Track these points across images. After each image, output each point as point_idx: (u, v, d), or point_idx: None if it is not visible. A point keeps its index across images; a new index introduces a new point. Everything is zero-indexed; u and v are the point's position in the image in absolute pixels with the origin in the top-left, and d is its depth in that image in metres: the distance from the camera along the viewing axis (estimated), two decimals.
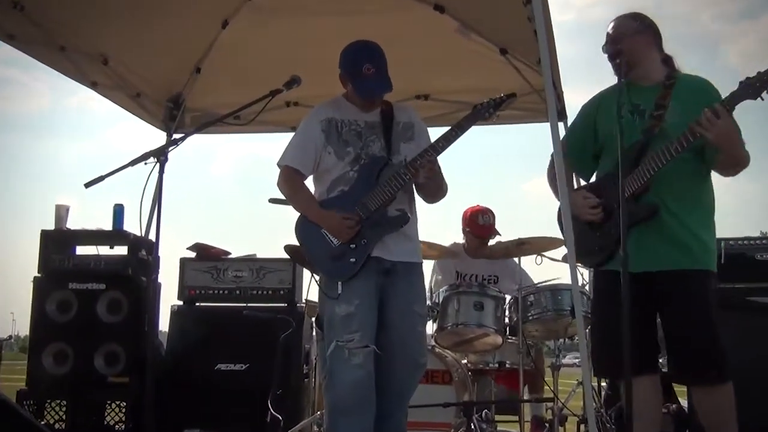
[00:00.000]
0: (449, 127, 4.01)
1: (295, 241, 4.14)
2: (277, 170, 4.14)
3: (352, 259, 3.92)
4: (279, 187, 4.14)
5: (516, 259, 5.98)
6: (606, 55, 3.87)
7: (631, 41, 3.93)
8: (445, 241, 6.62)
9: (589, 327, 4.22)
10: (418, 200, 4.22)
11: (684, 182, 3.87)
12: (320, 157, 4.06)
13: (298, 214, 4.08)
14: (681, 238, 3.81)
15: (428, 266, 6.83)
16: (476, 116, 4.00)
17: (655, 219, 3.80)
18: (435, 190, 4.15)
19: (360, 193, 3.99)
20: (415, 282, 4.12)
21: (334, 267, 3.95)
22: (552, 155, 4.19)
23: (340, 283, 3.90)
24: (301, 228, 4.06)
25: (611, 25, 4.02)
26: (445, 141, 3.96)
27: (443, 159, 4.06)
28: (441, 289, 5.85)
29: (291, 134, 4.22)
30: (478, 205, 6.72)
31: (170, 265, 6.20)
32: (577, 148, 4.16)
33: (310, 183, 4.19)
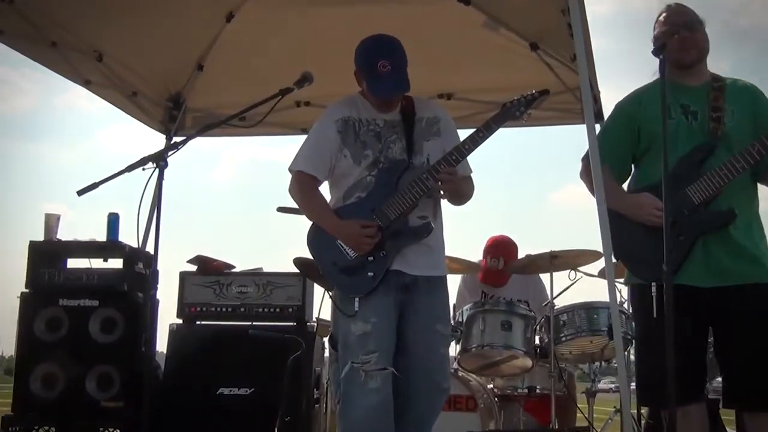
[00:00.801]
0: (475, 129, 3.99)
1: (305, 254, 4.13)
2: (288, 176, 4.14)
3: (370, 273, 3.91)
4: (291, 194, 4.13)
5: (545, 276, 5.97)
6: (655, 48, 3.82)
7: (702, 33, 3.97)
8: (470, 255, 6.63)
9: (637, 348, 4.15)
10: (444, 204, 4.20)
11: (743, 191, 3.90)
12: (336, 160, 4.06)
13: (311, 223, 4.08)
14: (750, 250, 3.83)
15: (452, 282, 6.84)
16: (506, 115, 3.96)
17: (722, 229, 3.80)
18: (458, 196, 4.14)
19: (378, 199, 3.97)
20: (438, 298, 4.09)
21: (350, 281, 3.94)
22: (585, 158, 4.18)
23: (356, 299, 3.91)
24: (313, 238, 4.05)
25: (671, 12, 4.00)
26: (472, 143, 3.92)
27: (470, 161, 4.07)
28: (465, 307, 5.84)
29: (302, 137, 4.22)
30: (495, 238, 6.75)
31: (169, 280, 6.21)
32: (616, 151, 4.12)
33: (324, 190, 4.20)
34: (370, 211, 3.95)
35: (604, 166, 4.10)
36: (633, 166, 4.13)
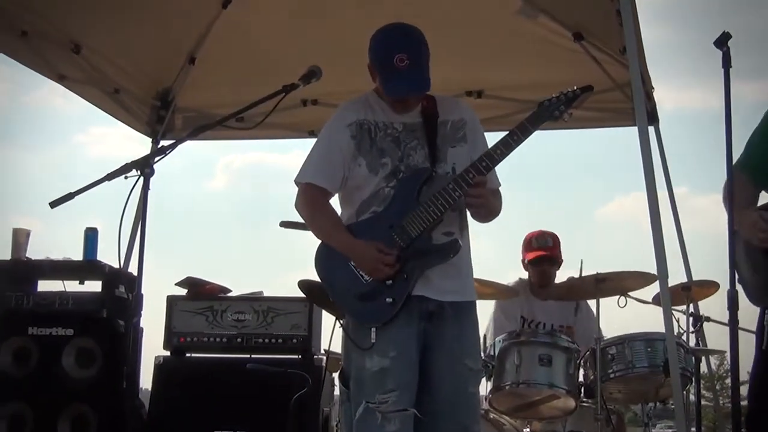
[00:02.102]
0: (508, 131, 3.98)
1: (311, 276, 4.13)
2: (293, 187, 4.13)
3: (389, 299, 3.88)
4: (298, 209, 4.12)
5: (592, 302, 5.94)
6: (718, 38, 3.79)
7: None
8: (503, 279, 6.61)
9: (752, 381, 4.12)
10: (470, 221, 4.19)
11: None
12: (349, 170, 4.05)
13: (319, 241, 4.07)
14: None
15: (483, 309, 6.82)
16: (543, 115, 3.92)
17: None
18: (487, 212, 4.13)
19: (398, 214, 3.94)
20: (467, 328, 4.06)
21: (366, 309, 3.91)
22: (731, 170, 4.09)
23: (373, 329, 3.88)
24: (323, 259, 4.03)
25: None
26: (505, 147, 3.89)
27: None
28: (497, 339, 5.81)
29: (309, 141, 4.25)
30: (538, 230, 6.75)
31: (155, 306, 6.22)
32: (762, 157, 4.06)
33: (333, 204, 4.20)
34: (389, 228, 3.92)
35: (741, 173, 4.03)
36: None
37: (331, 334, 5.05)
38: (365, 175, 4.00)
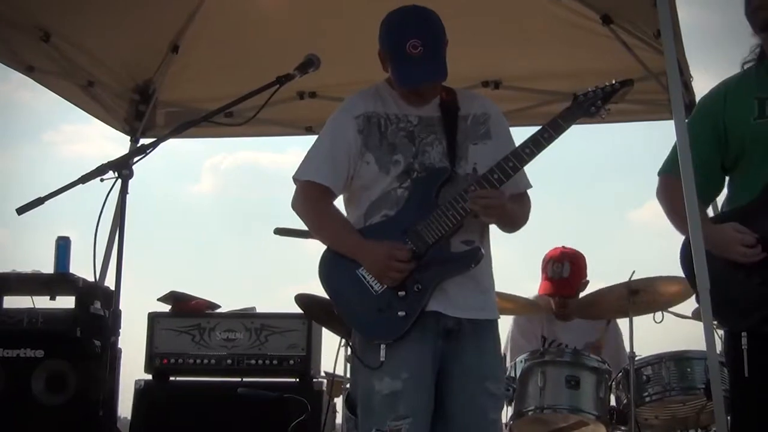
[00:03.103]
0: (540, 127, 3.95)
1: (310, 289, 4.12)
2: (289, 190, 4.11)
3: (401, 313, 3.85)
4: (296, 210, 4.09)
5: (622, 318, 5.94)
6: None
7: None
8: (526, 292, 6.62)
9: (733, 413, 4.15)
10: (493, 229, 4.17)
11: None
12: (356, 168, 4.03)
13: (323, 248, 4.05)
14: None
15: (502, 325, 6.83)
16: (578, 111, 3.90)
17: None
18: (509, 222, 4.12)
19: (412, 218, 3.92)
20: (489, 348, 4.04)
21: (375, 323, 3.89)
22: (663, 171, 4.17)
23: (383, 346, 3.86)
24: (327, 267, 4.01)
25: None
26: (535, 146, 3.86)
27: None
28: (519, 359, 5.81)
29: (306, 138, 4.25)
30: (559, 248, 6.76)
31: (135, 324, 6.22)
32: (699, 164, 4.11)
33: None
34: (402, 234, 3.90)
35: (676, 179, 4.09)
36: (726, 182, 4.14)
37: (336, 355, 5.05)
38: (374, 173, 3.97)
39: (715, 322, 4.16)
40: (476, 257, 3.93)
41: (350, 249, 3.96)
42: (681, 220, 4.06)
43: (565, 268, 6.62)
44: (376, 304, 3.89)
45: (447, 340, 3.92)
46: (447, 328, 3.92)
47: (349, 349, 4.15)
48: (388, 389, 3.81)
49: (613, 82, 3.93)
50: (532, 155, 3.87)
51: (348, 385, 6.08)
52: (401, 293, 3.87)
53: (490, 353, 4.04)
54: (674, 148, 4.20)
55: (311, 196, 4.05)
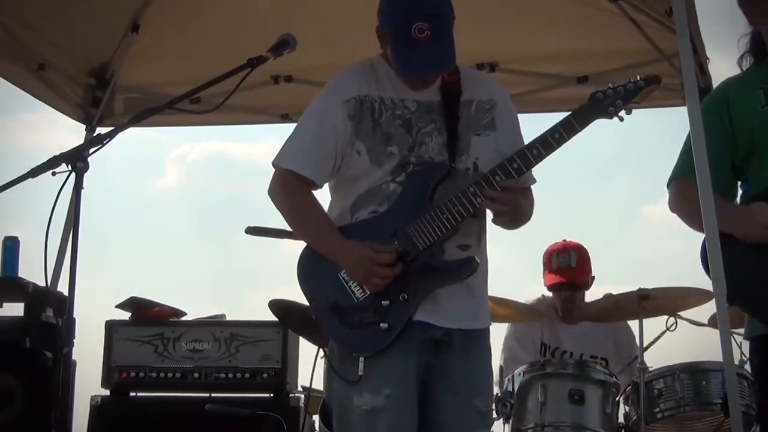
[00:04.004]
0: (551, 128, 3.92)
1: (285, 294, 4.11)
2: (263, 183, 4.07)
3: (384, 325, 3.83)
4: (272, 197, 4.05)
5: (633, 323, 5.96)
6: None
7: None
8: (526, 296, 6.63)
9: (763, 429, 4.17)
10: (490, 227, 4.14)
11: None
12: (344, 158, 4.00)
13: (301, 248, 4.05)
14: None
15: (498, 332, 6.84)
16: (594, 111, 3.82)
17: None
18: (515, 218, 4.11)
19: (404, 218, 3.89)
20: (479, 360, 4.05)
21: (355, 334, 3.88)
22: (673, 180, 4.19)
23: (362, 359, 3.85)
24: (306, 267, 4.01)
25: None
26: (544, 147, 3.82)
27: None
28: (517, 371, 5.82)
29: (281, 126, 4.22)
30: (559, 241, 6.78)
31: (91, 333, 6.21)
32: (713, 161, 4.15)
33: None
34: (391, 235, 3.88)
35: (692, 184, 4.12)
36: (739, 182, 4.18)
37: (313, 365, 5.02)
38: (365, 165, 3.95)
39: (742, 330, 4.18)
40: (471, 267, 3.90)
41: (329, 249, 3.95)
42: (700, 224, 4.08)
43: (571, 257, 6.65)
44: (356, 313, 3.88)
45: (434, 352, 3.92)
46: (434, 340, 3.91)
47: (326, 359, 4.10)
48: (368, 405, 3.80)
49: (638, 78, 3.83)
50: (539, 157, 3.83)
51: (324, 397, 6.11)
52: (385, 302, 3.85)
53: (481, 367, 4.05)
54: (685, 149, 4.23)
55: (290, 187, 4.03)
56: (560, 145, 3.82)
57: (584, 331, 6.66)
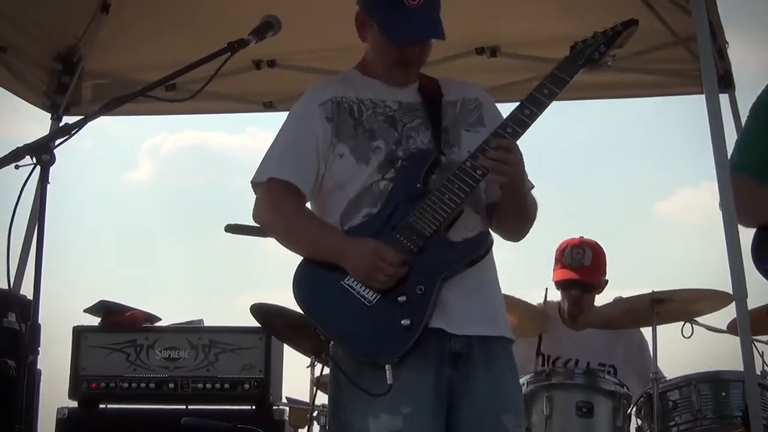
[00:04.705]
0: (539, 83, 3.87)
1: (267, 298, 4.08)
2: (245, 177, 4.03)
3: (405, 321, 3.75)
4: (260, 221, 4.01)
5: (646, 330, 5.97)
6: None
7: None
8: (524, 293, 6.65)
9: None
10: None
11: None
12: (326, 166, 4.00)
13: (290, 257, 4.01)
14: None
15: None
16: (577, 59, 3.96)
17: None
18: (517, 212, 4.10)
19: (400, 212, 3.89)
20: (504, 373, 3.99)
21: (375, 339, 3.80)
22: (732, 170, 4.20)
23: (388, 367, 3.74)
24: (305, 283, 3.93)
25: None
26: (535, 105, 3.88)
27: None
28: (521, 381, 5.82)
29: (264, 115, 4.22)
30: (576, 238, 6.81)
31: (58, 340, 6.21)
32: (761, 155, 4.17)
33: None
34: (391, 231, 3.86)
35: (740, 175, 4.13)
36: None
37: (312, 378, 4.98)
38: (350, 166, 3.94)
39: (764, 337, 4.19)
40: (485, 242, 3.92)
41: (330, 250, 3.90)
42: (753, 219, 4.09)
43: (586, 255, 6.64)
44: (371, 317, 3.80)
45: (455, 367, 3.86)
46: (454, 353, 3.85)
47: (317, 370, 4.06)
48: (385, 428, 3.73)
49: (616, 24, 4.00)
50: (533, 116, 3.89)
51: (316, 414, 6.10)
52: (401, 299, 3.79)
53: (507, 379, 3.99)
54: (742, 137, 4.23)
55: (276, 197, 4.00)
56: (551, 101, 3.90)
57: (590, 336, 6.67)
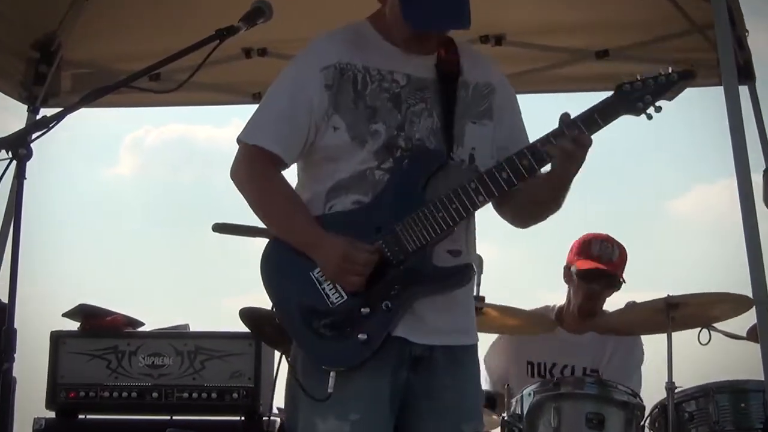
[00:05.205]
0: (571, 120, 3.81)
1: (258, 302, 4.07)
2: (229, 163, 4.09)
3: (362, 336, 3.78)
4: (236, 181, 4.02)
5: (657, 338, 5.97)
6: None
7: None
8: (532, 302, 6.64)
9: None
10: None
11: None
12: (319, 133, 3.96)
13: (268, 240, 4.01)
14: None
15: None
16: (620, 106, 3.81)
17: None
18: (548, 205, 4.00)
19: (391, 212, 3.86)
20: (468, 380, 4.04)
21: (328, 345, 3.83)
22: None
23: (332, 374, 3.80)
24: (272, 262, 3.96)
25: None
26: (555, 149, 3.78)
27: None
28: (526, 391, 5.82)
29: (253, 107, 4.17)
30: (599, 233, 6.81)
31: (34, 346, 6.21)
32: None
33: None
34: (375, 231, 3.86)
35: None
36: None
37: (275, 373, 4.96)
38: (344, 144, 3.90)
39: None
40: (466, 276, 3.91)
41: (301, 238, 3.90)
42: None
43: (615, 250, 6.64)
44: (329, 320, 3.82)
45: (413, 371, 3.87)
46: (413, 358, 3.86)
47: (286, 364, 4.05)
48: (333, 431, 3.78)
49: (670, 71, 3.83)
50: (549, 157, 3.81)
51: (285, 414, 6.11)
52: (365, 310, 3.80)
53: (469, 387, 4.02)
54: None
55: (257, 167, 3.99)
56: (587, 146, 3.78)
57: (588, 341, 6.67)
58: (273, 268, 3.96)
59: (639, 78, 3.80)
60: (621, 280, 6.66)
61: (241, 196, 4.03)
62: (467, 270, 3.90)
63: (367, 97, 3.91)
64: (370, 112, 3.90)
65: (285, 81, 4.05)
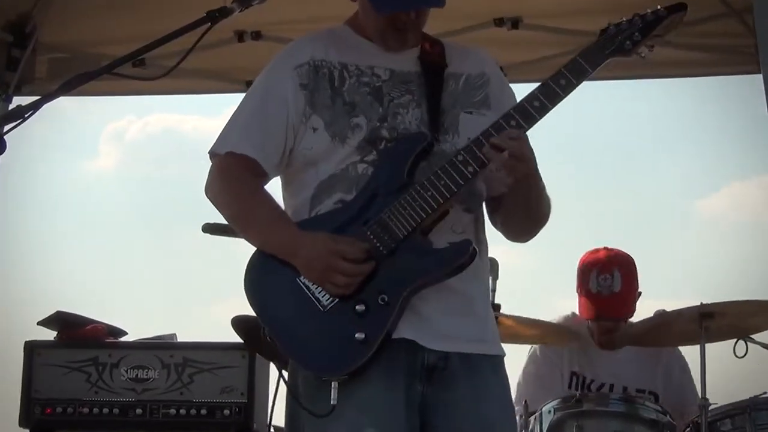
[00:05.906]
0: (557, 71, 3.85)
1: (252, 310, 4.07)
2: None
3: (359, 335, 3.77)
4: (211, 197, 4.08)
5: (690, 350, 5.97)
6: None
7: None
8: (554, 311, 6.64)
9: None
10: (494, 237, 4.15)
11: None
12: (296, 139, 4.00)
13: (253, 249, 4.01)
14: None
15: (514, 359, 6.85)
16: (606, 47, 3.87)
17: None
18: (527, 214, 4.09)
19: (376, 203, 3.86)
20: (491, 392, 4.01)
21: (323, 350, 3.83)
22: None
23: (334, 384, 3.79)
24: (256, 273, 3.98)
25: None
26: (547, 98, 3.81)
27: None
28: (546, 408, 5.83)
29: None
30: (600, 250, 6.80)
31: (7, 357, 6.21)
32: None
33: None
34: (362, 225, 3.85)
35: None
36: None
37: (273, 395, 4.97)
38: (324, 144, 3.94)
39: None
40: (467, 252, 3.82)
41: (280, 245, 3.92)
42: None
43: (615, 279, 6.60)
44: (324, 325, 3.82)
45: (429, 382, 3.87)
46: (428, 366, 3.85)
47: (282, 383, 4.06)
48: None
49: (658, 8, 3.86)
50: (543, 110, 3.83)
51: None
52: (360, 307, 3.78)
53: (493, 398, 3.99)
54: None
55: (231, 176, 4.03)
56: (567, 94, 3.84)
57: (627, 357, 6.67)
58: (257, 280, 3.98)
59: (624, 18, 3.86)
60: (630, 310, 6.69)
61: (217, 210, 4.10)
62: (465, 244, 3.83)
63: (345, 93, 3.97)
64: (349, 107, 3.96)
65: (257, 84, 4.17)
